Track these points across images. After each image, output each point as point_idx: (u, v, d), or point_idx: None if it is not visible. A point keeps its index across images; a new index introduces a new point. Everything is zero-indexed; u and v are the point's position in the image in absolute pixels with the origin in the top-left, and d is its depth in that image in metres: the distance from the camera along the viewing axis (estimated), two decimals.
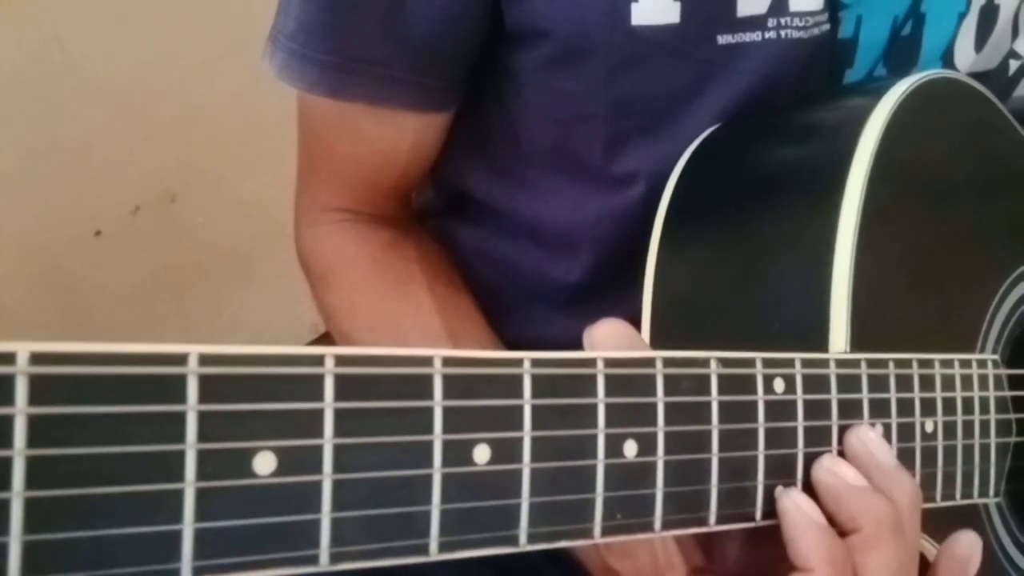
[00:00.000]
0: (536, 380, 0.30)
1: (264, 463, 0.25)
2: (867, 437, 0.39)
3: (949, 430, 0.43)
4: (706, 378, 0.34)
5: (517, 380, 0.30)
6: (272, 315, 1.27)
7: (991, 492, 0.46)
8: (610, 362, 0.32)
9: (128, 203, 1.21)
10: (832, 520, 0.37)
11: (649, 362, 0.33)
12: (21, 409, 0.22)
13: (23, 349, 0.22)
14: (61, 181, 1.14)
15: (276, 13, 0.56)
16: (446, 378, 0.28)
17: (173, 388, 0.24)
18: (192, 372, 0.24)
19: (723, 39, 0.52)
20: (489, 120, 0.60)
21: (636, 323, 0.57)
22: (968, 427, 0.44)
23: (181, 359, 0.24)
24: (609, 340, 0.36)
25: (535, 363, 0.30)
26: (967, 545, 0.41)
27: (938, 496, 0.43)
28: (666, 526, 0.33)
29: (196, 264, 1.28)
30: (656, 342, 0.47)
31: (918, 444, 0.42)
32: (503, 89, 0.57)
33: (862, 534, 0.36)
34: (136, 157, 1.19)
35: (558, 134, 0.57)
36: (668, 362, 0.33)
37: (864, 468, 0.38)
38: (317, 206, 0.62)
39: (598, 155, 0.56)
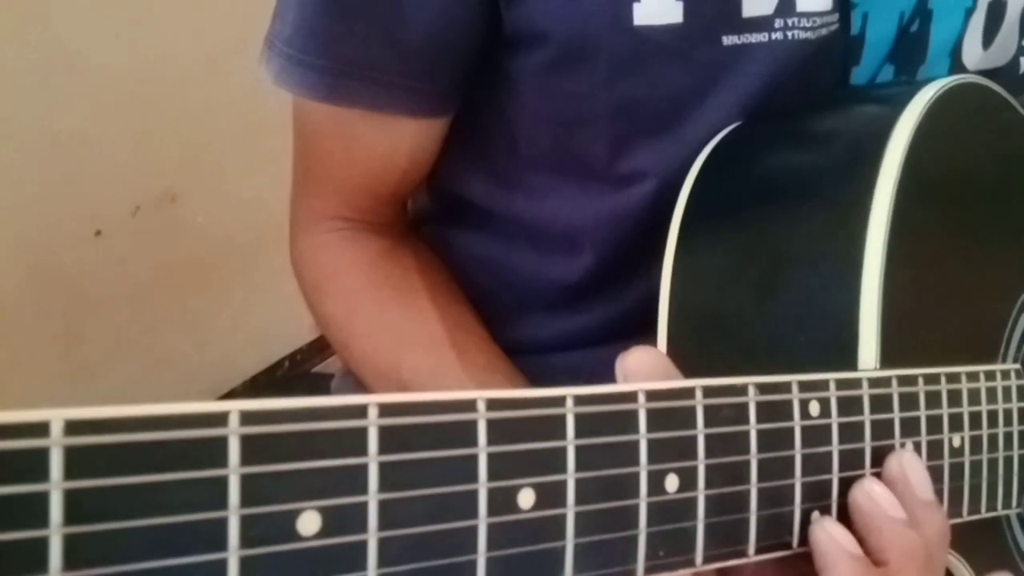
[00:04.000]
0: (579, 419, 0.29)
1: (309, 523, 0.23)
2: (909, 465, 0.38)
3: (975, 444, 0.43)
4: (744, 406, 0.33)
5: (560, 420, 0.28)
6: (272, 315, 1.26)
7: (1014, 503, 0.46)
8: (651, 395, 0.31)
9: (128, 203, 1.20)
10: (861, 545, 0.36)
11: (689, 392, 0.32)
12: (57, 483, 0.20)
13: (57, 418, 0.20)
14: (61, 181, 1.12)
15: (272, 19, 0.55)
16: (490, 423, 0.27)
17: (214, 450, 0.22)
18: (233, 432, 0.22)
19: (728, 40, 0.51)
20: (486, 124, 0.59)
21: (633, 320, 0.56)
22: (993, 440, 0.44)
23: (221, 419, 0.22)
24: (643, 369, 0.34)
25: (578, 400, 0.29)
26: None
27: (965, 511, 0.43)
28: (707, 560, 0.32)
29: (196, 264, 1.27)
30: (674, 351, 0.46)
31: (946, 461, 0.41)
32: (501, 93, 0.56)
33: (889, 568, 0.35)
34: (136, 157, 1.18)
35: (559, 136, 0.56)
36: (707, 391, 0.32)
37: (899, 495, 0.37)
38: (314, 215, 0.61)
39: (601, 157, 0.55)
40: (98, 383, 1.14)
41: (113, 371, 1.16)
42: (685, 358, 0.36)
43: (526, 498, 0.28)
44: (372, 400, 0.25)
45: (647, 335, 0.46)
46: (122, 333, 1.18)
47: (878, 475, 0.38)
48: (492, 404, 0.27)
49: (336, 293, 0.61)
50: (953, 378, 0.42)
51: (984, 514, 0.44)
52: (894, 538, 0.36)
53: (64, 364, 1.14)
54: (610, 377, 0.35)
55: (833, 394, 0.36)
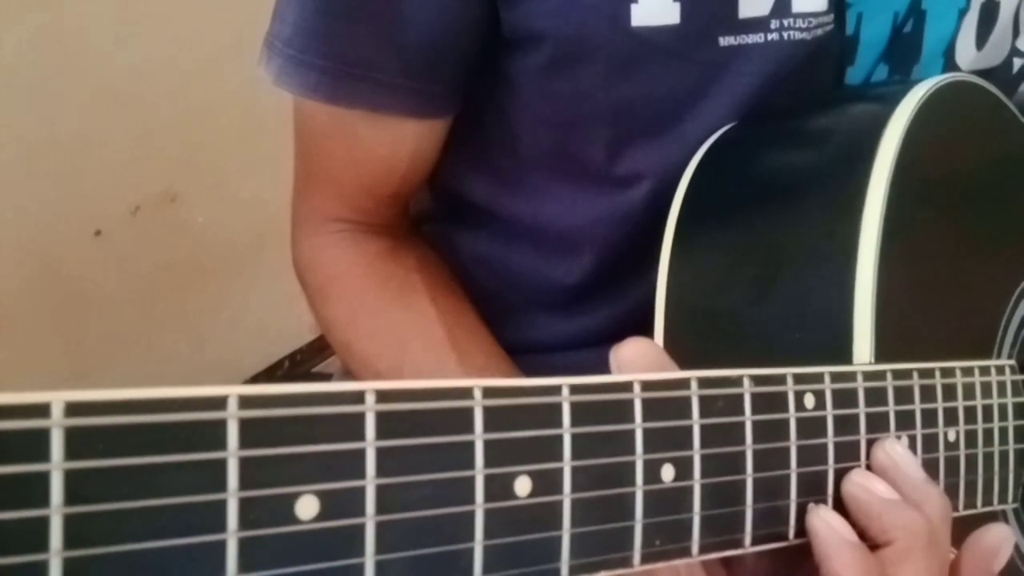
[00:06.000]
0: (575, 408, 0.29)
1: (307, 507, 0.24)
2: (894, 451, 0.38)
3: (970, 439, 0.43)
4: (739, 397, 0.34)
5: (556, 409, 0.29)
6: (272, 315, 1.27)
7: (1009, 499, 0.46)
8: (646, 385, 0.31)
9: (128, 203, 1.20)
10: (863, 535, 0.36)
11: (684, 383, 0.32)
12: (57, 464, 0.20)
13: (57, 400, 0.20)
14: (61, 181, 1.13)
15: (271, 19, 0.55)
16: (486, 410, 0.27)
17: (213, 434, 0.22)
18: (232, 416, 0.23)
19: (725, 41, 0.51)
20: (486, 125, 0.59)
21: (634, 321, 0.56)
22: (988, 435, 0.44)
23: (220, 403, 0.23)
24: (637, 360, 0.35)
25: (573, 389, 0.29)
26: (995, 537, 0.40)
27: (960, 506, 0.43)
28: (703, 550, 0.32)
29: (196, 264, 1.27)
30: (671, 349, 0.46)
31: (941, 454, 0.42)
32: (500, 94, 0.56)
33: (895, 547, 0.36)
34: (136, 157, 1.18)
35: (558, 137, 0.56)
36: (702, 382, 0.33)
37: (892, 482, 0.37)
38: (315, 217, 0.61)
39: (599, 157, 0.55)
40: (98, 383, 1.14)
41: (113, 371, 1.16)
42: (682, 356, 0.37)
43: (523, 485, 0.28)
44: (370, 386, 0.25)
45: (647, 335, 0.46)
46: (122, 333, 1.18)
47: (870, 468, 0.38)
48: (489, 392, 0.27)
49: (338, 296, 0.61)
50: (948, 372, 0.42)
51: (980, 509, 0.44)
52: (895, 518, 0.36)
53: (64, 364, 1.14)
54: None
55: (828, 387, 0.37)
